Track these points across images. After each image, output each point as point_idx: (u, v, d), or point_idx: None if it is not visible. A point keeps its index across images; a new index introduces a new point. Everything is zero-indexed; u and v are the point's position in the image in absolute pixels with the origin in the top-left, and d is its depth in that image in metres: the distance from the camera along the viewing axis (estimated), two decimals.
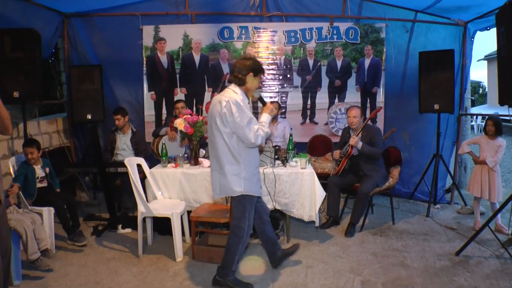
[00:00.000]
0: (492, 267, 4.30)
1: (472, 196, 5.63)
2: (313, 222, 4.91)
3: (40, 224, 4.26)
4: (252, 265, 4.30)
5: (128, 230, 5.38)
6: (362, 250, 4.79)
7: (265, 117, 3.66)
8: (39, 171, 4.96)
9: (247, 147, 3.57)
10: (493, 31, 4.64)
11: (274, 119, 6.22)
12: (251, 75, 3.59)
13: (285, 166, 5.02)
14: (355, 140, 5.18)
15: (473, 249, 4.74)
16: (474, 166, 5.59)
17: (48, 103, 7.30)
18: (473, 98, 15.55)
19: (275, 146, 5.43)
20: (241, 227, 3.69)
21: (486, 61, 21.38)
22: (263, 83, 6.94)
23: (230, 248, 3.75)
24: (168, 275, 4.18)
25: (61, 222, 4.87)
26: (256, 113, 6.43)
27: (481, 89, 28.38)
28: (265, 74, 6.89)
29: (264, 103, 3.79)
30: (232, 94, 3.53)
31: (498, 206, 4.96)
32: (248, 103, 3.67)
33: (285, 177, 4.80)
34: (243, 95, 3.60)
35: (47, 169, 5.06)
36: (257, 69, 3.65)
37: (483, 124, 16.30)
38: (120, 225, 5.40)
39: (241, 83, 3.59)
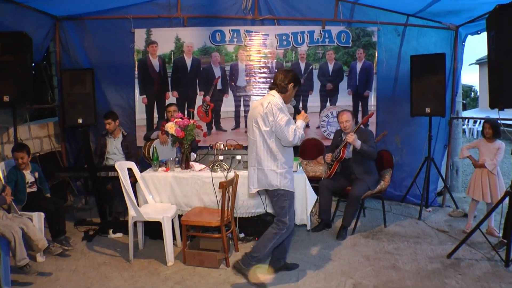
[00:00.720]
0: (483, 270, 4.32)
1: (464, 199, 5.65)
2: (305, 225, 4.93)
3: (33, 227, 4.20)
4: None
5: (119, 234, 5.35)
6: (354, 253, 4.79)
7: (300, 122, 4.00)
8: (29, 176, 4.91)
9: (284, 146, 3.88)
10: (484, 35, 4.66)
11: None
12: (292, 85, 3.94)
13: None
14: (353, 137, 5.12)
15: (465, 252, 4.75)
16: (471, 169, 5.59)
17: (40, 107, 7.24)
18: (464, 101, 15.61)
19: None
20: (281, 221, 3.94)
21: (477, 65, 21.56)
22: (254, 86, 6.96)
23: (265, 236, 3.97)
24: (159, 279, 4.16)
25: (49, 227, 4.83)
26: None
27: (472, 93, 28.53)
28: (257, 78, 6.92)
29: (299, 111, 4.11)
30: (272, 98, 3.87)
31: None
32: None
33: None
34: (282, 100, 3.90)
35: (37, 174, 5.02)
36: (297, 81, 4.01)
37: (475, 127, 16.34)
38: (111, 229, 5.36)
39: (283, 90, 3.93)
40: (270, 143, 3.83)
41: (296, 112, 4.11)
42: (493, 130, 5.32)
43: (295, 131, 3.77)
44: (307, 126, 4.34)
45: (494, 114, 4.74)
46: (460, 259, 4.59)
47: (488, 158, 5.33)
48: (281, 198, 3.91)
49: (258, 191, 4.09)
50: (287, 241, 4.29)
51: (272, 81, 4.09)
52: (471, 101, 27.23)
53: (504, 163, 9.74)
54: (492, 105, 4.22)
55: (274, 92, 3.93)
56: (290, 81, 3.91)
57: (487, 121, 5.46)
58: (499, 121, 5.14)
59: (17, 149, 4.86)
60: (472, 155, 5.59)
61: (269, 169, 3.86)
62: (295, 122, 3.98)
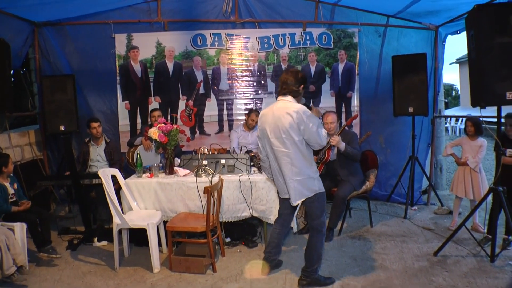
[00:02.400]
0: (469, 266, 4.37)
1: (449, 197, 5.70)
2: (291, 228, 4.90)
3: (14, 239, 4.14)
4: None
5: (104, 242, 5.28)
6: (341, 254, 4.80)
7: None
8: (10, 188, 4.83)
9: (313, 150, 3.93)
10: (464, 34, 4.72)
11: (251, 128, 6.23)
12: (302, 87, 3.94)
13: (261, 173, 4.98)
14: (337, 139, 5.09)
15: (451, 249, 4.80)
16: (455, 167, 5.65)
17: (20, 114, 7.13)
18: (446, 100, 15.79)
19: (250, 152, 5.42)
20: (323, 222, 3.99)
21: (458, 64, 21.84)
22: (237, 90, 6.96)
23: (315, 245, 3.99)
24: (145, 286, 4.12)
25: (33, 237, 4.74)
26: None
27: (454, 92, 28.89)
28: (239, 81, 6.92)
29: (309, 109, 3.97)
30: (295, 105, 3.81)
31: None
32: None
33: (261, 184, 4.79)
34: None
35: (15, 185, 4.93)
36: (306, 81, 4.02)
37: (457, 125, 16.53)
38: (96, 238, 5.29)
39: (297, 94, 3.91)
40: (304, 151, 3.80)
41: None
42: (475, 127, 5.39)
43: (325, 133, 3.81)
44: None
45: (475, 112, 4.79)
46: (446, 256, 4.64)
47: (471, 155, 5.40)
48: (319, 199, 3.91)
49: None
50: (283, 239, 4.42)
51: (280, 84, 3.97)
52: (452, 99, 27.58)
53: (487, 160, 9.83)
54: (474, 103, 4.26)
55: (289, 98, 3.87)
56: (301, 84, 3.90)
57: (469, 119, 5.53)
58: (480, 119, 5.21)
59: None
60: (455, 152, 5.65)
61: (309, 176, 3.82)
62: None
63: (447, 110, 20.12)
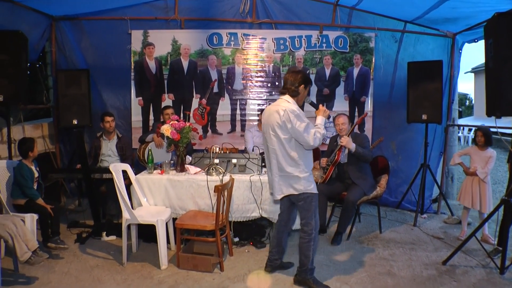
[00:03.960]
0: (478, 277, 4.31)
1: (459, 206, 5.64)
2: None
3: (23, 227, 4.13)
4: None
5: (112, 237, 5.30)
6: (349, 259, 4.77)
7: (320, 119, 3.99)
8: (35, 172, 4.96)
9: (305, 150, 3.90)
10: (481, 43, 4.69)
11: None
12: (303, 86, 3.94)
13: None
14: (347, 140, 5.12)
15: (460, 259, 4.75)
16: (465, 177, 5.60)
17: (34, 107, 7.19)
18: (460, 109, 15.67)
19: (262, 153, 5.40)
20: (308, 223, 3.95)
21: (473, 74, 21.67)
22: (251, 90, 6.94)
23: (301, 247, 4.00)
24: (152, 283, 4.12)
25: (41, 229, 4.78)
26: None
27: (467, 101, 28.71)
28: (254, 82, 6.91)
29: (316, 107, 4.09)
30: (286, 104, 3.86)
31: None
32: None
33: None
34: (296, 104, 3.90)
35: (38, 168, 5.04)
36: (307, 81, 4.02)
37: (470, 135, 16.41)
38: (105, 232, 5.32)
39: (294, 94, 3.93)
40: (289, 150, 3.83)
41: (315, 109, 4.10)
42: (485, 138, 5.34)
43: (315, 134, 3.77)
44: (328, 118, 4.26)
45: (489, 122, 4.75)
46: (455, 266, 4.58)
47: (480, 166, 5.34)
48: (307, 200, 3.92)
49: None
50: (285, 242, 4.39)
51: (282, 84, 4.07)
52: (466, 109, 27.40)
53: (499, 171, 9.76)
54: (489, 113, 4.22)
55: (286, 97, 3.92)
56: (300, 83, 3.91)
57: (480, 129, 5.48)
58: (496, 129, 5.15)
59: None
60: (463, 162, 5.60)
61: (293, 174, 3.85)
62: (316, 119, 4.00)
63: (460, 119, 19.99)
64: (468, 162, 5.56)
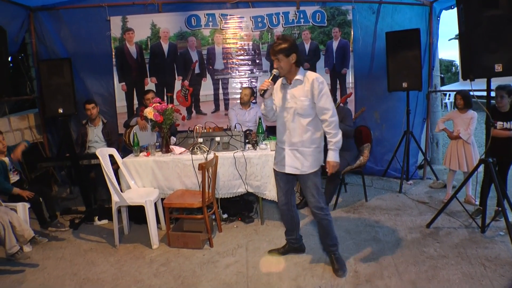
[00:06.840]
0: (460, 237, 4.46)
1: (445, 171, 5.76)
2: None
3: (17, 217, 4.22)
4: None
5: (104, 221, 5.40)
6: (335, 227, 4.79)
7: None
8: (9, 162, 4.95)
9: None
10: None
11: (246, 105, 6.27)
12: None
13: (255, 149, 5.07)
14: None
15: (443, 221, 4.90)
16: (450, 142, 5.70)
17: (18, 99, 7.20)
18: (442, 75, 15.65)
19: (246, 130, 5.48)
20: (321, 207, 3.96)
21: (457, 40, 21.59)
22: (232, 69, 7.00)
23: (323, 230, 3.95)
24: (144, 262, 4.23)
25: (37, 215, 4.87)
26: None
27: (454, 68, 28.68)
28: (234, 60, 6.95)
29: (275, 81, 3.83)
30: None
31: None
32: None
33: (255, 160, 4.85)
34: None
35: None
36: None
37: None
38: (97, 217, 5.41)
39: None
40: None
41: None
42: (464, 100, 5.45)
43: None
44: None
45: (474, 86, 4.80)
46: (438, 228, 4.73)
47: (462, 128, 5.45)
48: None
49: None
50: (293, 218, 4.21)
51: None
52: (452, 75, 27.40)
53: (483, 134, 9.88)
54: (464, 77, 4.32)
55: None
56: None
57: (458, 92, 5.60)
58: (470, 93, 5.26)
59: None
60: (447, 127, 5.71)
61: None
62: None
63: (447, 85, 20.06)
64: (452, 127, 5.67)
